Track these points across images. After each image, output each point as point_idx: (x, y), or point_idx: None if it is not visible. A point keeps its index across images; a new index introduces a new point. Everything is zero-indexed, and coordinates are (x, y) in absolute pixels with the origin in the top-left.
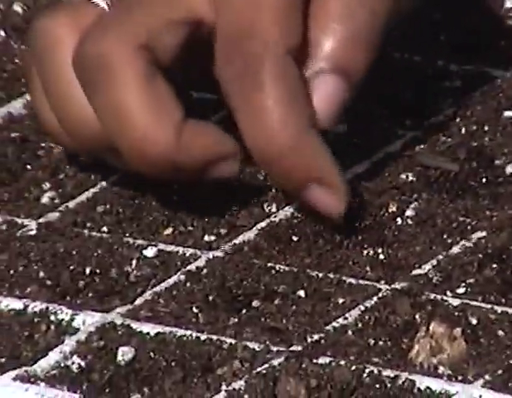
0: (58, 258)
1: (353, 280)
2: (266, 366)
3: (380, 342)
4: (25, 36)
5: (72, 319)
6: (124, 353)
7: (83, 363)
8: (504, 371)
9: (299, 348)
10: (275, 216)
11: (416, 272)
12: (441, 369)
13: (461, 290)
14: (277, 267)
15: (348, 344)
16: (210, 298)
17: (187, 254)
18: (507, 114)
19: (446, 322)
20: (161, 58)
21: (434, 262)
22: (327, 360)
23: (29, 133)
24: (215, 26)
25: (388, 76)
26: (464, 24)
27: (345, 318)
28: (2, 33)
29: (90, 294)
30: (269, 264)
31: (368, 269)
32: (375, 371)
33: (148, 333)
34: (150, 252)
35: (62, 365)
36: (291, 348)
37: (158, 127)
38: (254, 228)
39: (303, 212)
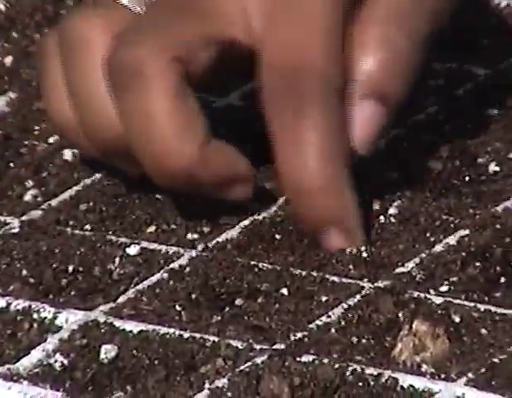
0: (41, 256)
1: (336, 278)
2: (249, 364)
3: (363, 340)
4: (9, 33)
5: (55, 317)
6: (107, 351)
7: (66, 361)
8: (487, 369)
9: (282, 346)
10: (258, 215)
11: (399, 270)
12: (424, 367)
13: (444, 288)
14: (261, 265)
15: (331, 342)
16: (193, 296)
17: (170, 253)
18: (490, 112)
19: (429, 321)
20: (193, 73)
21: (417, 260)
22: (310, 358)
23: (12, 131)
24: (261, 55)
25: None
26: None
27: (329, 316)
28: None
29: (73, 292)
30: (252, 263)
31: (351, 267)
32: (358, 369)
33: (131, 331)
34: (133, 250)
35: (45, 363)
36: (274, 346)
37: (183, 141)
38: (238, 226)
39: (286, 211)
